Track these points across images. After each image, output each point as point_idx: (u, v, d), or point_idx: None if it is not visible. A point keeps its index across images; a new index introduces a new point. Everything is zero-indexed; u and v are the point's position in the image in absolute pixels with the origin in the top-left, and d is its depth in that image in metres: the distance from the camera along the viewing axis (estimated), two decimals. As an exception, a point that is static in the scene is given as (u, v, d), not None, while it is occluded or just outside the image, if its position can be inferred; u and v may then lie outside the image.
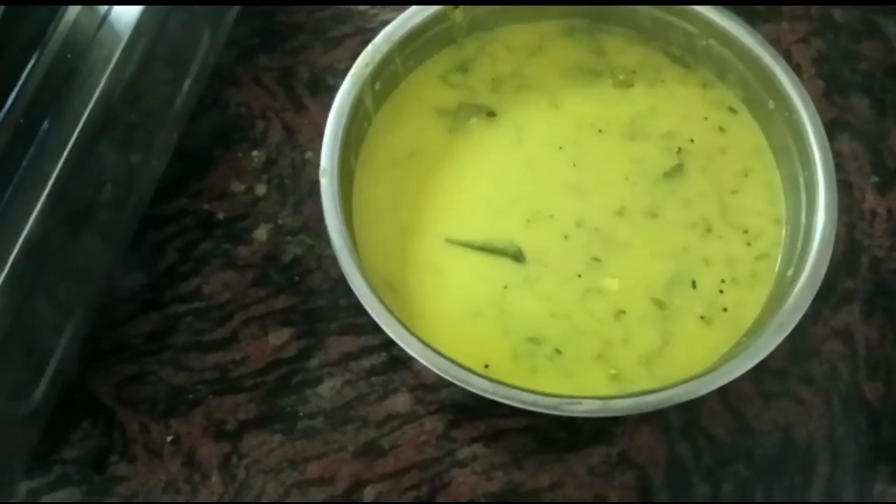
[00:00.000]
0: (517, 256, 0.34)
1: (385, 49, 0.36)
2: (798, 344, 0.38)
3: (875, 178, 0.42)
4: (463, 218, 0.35)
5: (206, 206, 0.41)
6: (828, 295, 0.39)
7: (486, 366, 0.32)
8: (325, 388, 0.38)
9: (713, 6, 0.37)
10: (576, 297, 0.34)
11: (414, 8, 0.37)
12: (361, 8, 0.46)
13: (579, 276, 0.34)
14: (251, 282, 0.39)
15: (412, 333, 0.30)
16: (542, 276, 0.34)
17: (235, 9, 0.42)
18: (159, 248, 0.40)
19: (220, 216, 0.41)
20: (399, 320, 0.31)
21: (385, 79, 0.37)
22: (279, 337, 0.39)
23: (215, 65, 0.41)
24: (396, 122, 0.37)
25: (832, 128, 0.43)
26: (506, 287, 0.34)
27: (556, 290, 0.34)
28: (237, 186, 0.42)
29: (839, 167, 0.41)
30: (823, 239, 0.32)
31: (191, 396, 0.38)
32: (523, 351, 0.33)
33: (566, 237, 0.35)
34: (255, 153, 0.42)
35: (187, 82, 0.40)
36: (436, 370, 0.30)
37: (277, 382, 0.38)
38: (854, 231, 0.41)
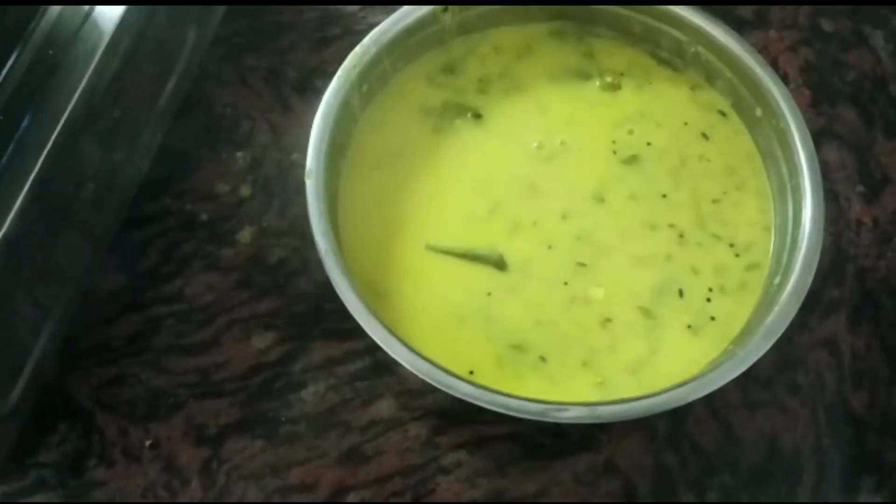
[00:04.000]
0: (499, 265, 0.34)
1: (373, 51, 0.35)
2: (784, 353, 0.38)
3: (861, 188, 0.42)
4: (444, 225, 0.35)
5: (189, 207, 0.41)
6: (814, 304, 0.39)
7: (471, 372, 0.32)
8: (309, 392, 0.37)
9: (703, 14, 0.37)
10: (561, 304, 0.33)
11: (403, 10, 0.37)
12: (350, 9, 0.45)
13: (566, 283, 0.34)
14: (235, 284, 0.39)
15: (397, 338, 0.30)
16: (525, 284, 0.34)
17: (222, 7, 0.41)
18: (141, 248, 0.40)
19: (204, 217, 0.40)
20: (384, 325, 0.30)
21: (372, 79, 0.36)
22: (262, 340, 0.38)
23: (201, 63, 0.41)
24: (382, 122, 0.37)
25: (819, 137, 0.43)
26: (489, 294, 0.34)
27: (540, 297, 0.34)
28: (222, 187, 0.41)
29: (826, 176, 0.41)
30: (810, 247, 0.32)
31: (171, 400, 0.37)
32: (508, 358, 0.33)
33: (550, 247, 0.34)
34: (240, 154, 0.42)
35: (172, 80, 0.39)
36: (421, 375, 0.30)
37: (260, 387, 0.37)
38: (840, 240, 0.41)
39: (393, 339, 0.30)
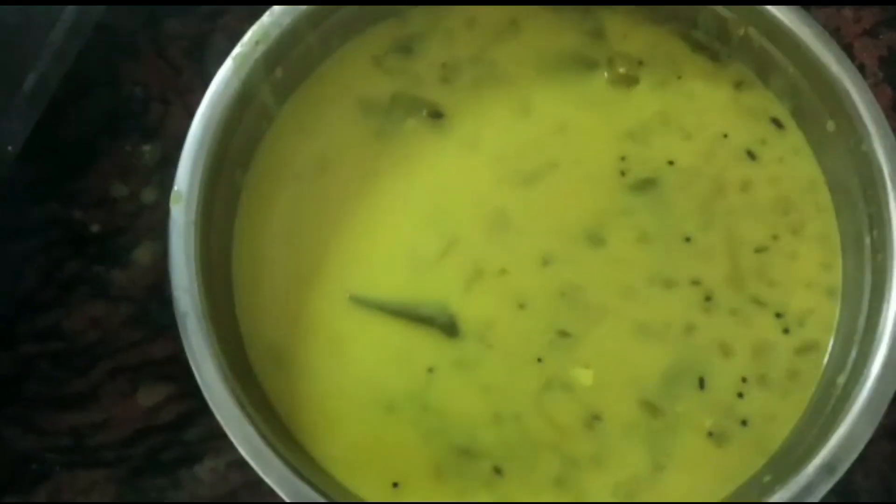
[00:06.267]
0: (449, 329, 0.27)
1: (287, 21, 0.27)
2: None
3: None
4: (378, 267, 0.27)
5: (79, 215, 0.34)
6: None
7: (395, 485, 0.25)
8: (206, 469, 0.30)
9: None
10: (532, 392, 0.26)
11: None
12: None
13: (540, 360, 0.26)
14: (125, 319, 0.32)
15: (274, 450, 0.22)
16: (483, 360, 0.26)
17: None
18: (19, 265, 0.33)
19: (95, 228, 0.33)
20: (261, 432, 0.22)
21: (291, 62, 0.28)
22: (153, 395, 0.32)
23: (111, 32, 0.34)
24: (306, 122, 0.29)
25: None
26: (431, 370, 0.26)
27: (503, 380, 0.26)
28: (120, 190, 0.34)
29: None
30: (897, 340, 0.23)
31: (35, 467, 0.31)
32: (450, 466, 0.25)
33: (522, 306, 0.27)
34: (147, 147, 0.34)
35: (49, 44, 0.31)
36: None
37: (145, 457, 0.31)
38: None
39: (269, 453, 0.22)
